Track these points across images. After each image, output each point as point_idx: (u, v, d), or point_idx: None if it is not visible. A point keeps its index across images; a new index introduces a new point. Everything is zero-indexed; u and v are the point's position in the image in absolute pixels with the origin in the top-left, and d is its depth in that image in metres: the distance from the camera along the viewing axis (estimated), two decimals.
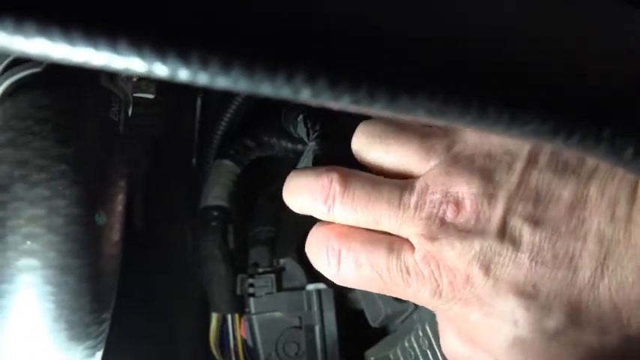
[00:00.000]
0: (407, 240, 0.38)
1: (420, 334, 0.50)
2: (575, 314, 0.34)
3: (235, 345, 0.72)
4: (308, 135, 0.48)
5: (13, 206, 0.48)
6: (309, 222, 0.76)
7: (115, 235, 0.51)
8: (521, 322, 0.34)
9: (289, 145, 0.70)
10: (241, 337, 0.72)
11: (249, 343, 0.71)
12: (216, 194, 0.72)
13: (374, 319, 0.56)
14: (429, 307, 0.40)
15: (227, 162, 0.72)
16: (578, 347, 0.34)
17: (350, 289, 0.66)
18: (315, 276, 0.72)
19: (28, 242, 0.47)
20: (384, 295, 0.55)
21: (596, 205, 0.34)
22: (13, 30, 0.14)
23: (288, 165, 0.51)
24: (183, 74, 0.15)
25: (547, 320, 0.34)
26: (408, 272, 0.37)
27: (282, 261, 0.71)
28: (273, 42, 0.15)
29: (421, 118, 0.17)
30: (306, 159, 0.52)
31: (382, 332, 0.62)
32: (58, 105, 0.49)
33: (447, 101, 0.17)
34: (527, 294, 0.34)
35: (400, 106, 0.16)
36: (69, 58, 0.15)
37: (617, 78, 0.19)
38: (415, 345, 0.51)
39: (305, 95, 0.16)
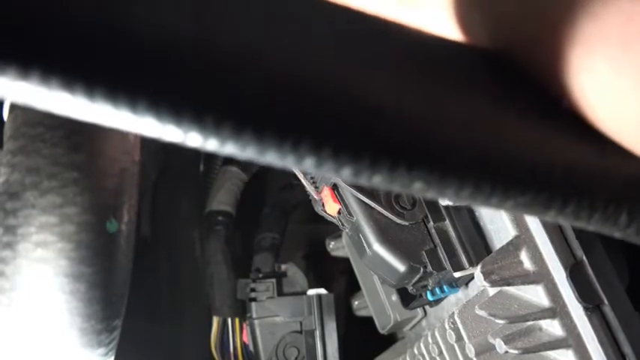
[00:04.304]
0: None
1: (430, 340, 0.51)
2: None
3: (235, 349, 0.72)
4: None
5: (24, 214, 0.47)
6: (315, 230, 0.77)
7: (127, 242, 0.51)
8: None
9: None
10: (242, 341, 0.72)
11: (251, 347, 0.71)
12: (220, 199, 0.72)
13: (383, 326, 0.57)
14: None
15: (234, 168, 0.73)
16: None
17: (358, 295, 0.66)
18: (316, 281, 0.72)
19: (39, 250, 0.47)
20: (393, 302, 0.55)
21: None
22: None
23: (295, 174, 0.52)
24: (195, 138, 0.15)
25: None
26: None
27: (283, 266, 0.72)
28: (282, 115, 0.16)
29: (417, 192, 0.17)
30: None
31: (391, 339, 0.63)
32: None
33: (445, 176, 0.17)
34: None
35: (399, 180, 0.17)
36: (104, 122, 0.15)
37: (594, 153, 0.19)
38: (424, 352, 0.52)
39: (308, 164, 0.16)
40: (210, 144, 0.15)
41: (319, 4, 0.18)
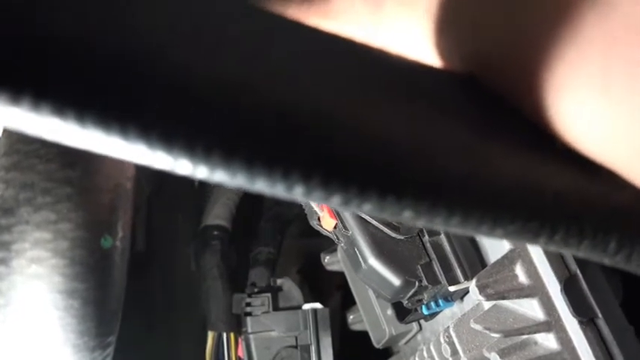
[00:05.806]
0: None
1: (425, 355, 0.51)
2: None
3: None
4: None
5: (18, 229, 0.47)
6: (310, 244, 0.77)
7: (121, 258, 0.51)
8: None
9: None
10: (237, 355, 0.72)
11: None
12: (216, 213, 0.72)
13: (378, 340, 0.57)
14: None
15: None
16: None
17: (353, 310, 0.66)
18: (311, 296, 0.72)
19: (34, 266, 0.47)
20: (388, 316, 0.55)
21: None
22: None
23: None
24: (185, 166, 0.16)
25: None
26: None
27: (279, 281, 0.71)
28: (271, 142, 0.16)
29: (407, 220, 0.18)
30: None
31: (386, 353, 0.63)
32: None
33: (434, 205, 0.17)
34: None
35: (388, 208, 0.17)
36: (82, 144, 0.16)
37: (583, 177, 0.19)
38: None
39: (298, 192, 0.16)
40: (200, 172, 0.15)
41: (298, 28, 0.18)
